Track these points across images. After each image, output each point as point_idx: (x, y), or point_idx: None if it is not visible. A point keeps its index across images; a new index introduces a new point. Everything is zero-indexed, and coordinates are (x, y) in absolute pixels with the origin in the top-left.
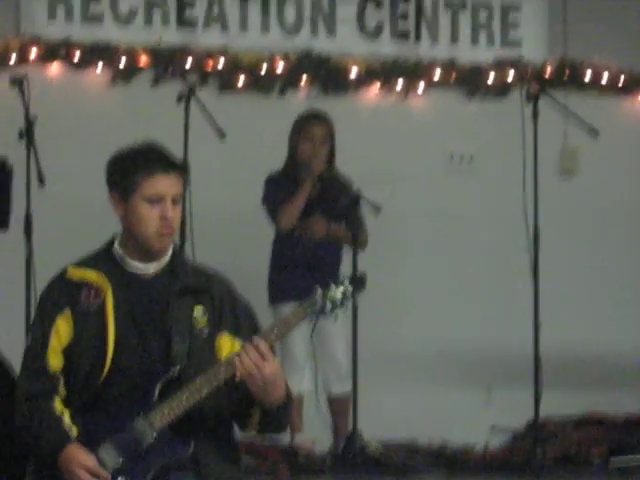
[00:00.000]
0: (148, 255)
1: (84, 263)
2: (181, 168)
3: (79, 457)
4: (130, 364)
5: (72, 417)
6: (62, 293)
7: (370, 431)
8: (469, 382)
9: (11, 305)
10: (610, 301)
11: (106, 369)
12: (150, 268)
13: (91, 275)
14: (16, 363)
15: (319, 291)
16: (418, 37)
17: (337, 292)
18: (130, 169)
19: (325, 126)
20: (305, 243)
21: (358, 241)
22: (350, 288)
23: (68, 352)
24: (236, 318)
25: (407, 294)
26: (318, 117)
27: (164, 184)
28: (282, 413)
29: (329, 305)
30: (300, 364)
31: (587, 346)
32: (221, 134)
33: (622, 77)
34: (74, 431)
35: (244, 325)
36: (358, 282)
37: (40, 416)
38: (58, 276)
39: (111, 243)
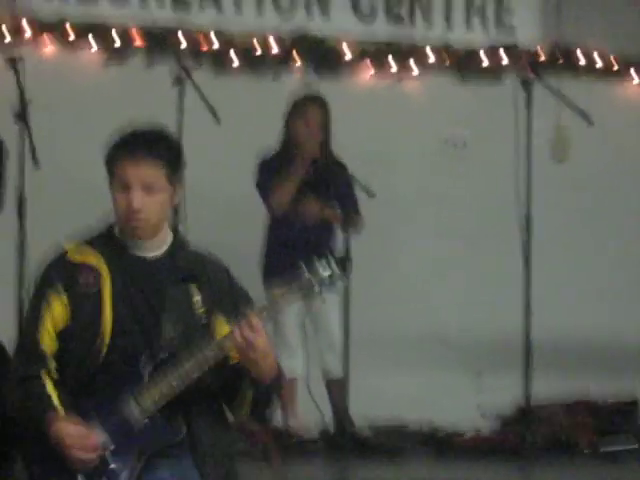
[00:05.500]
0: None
1: (84, 245)
2: (158, 155)
3: (67, 428)
4: (126, 350)
5: (61, 399)
6: (60, 275)
7: (360, 414)
8: (459, 366)
9: (3, 287)
10: (600, 287)
11: (102, 354)
12: (149, 252)
13: (91, 258)
14: (8, 345)
15: (306, 273)
16: (412, 20)
17: (323, 270)
18: (108, 154)
19: (321, 109)
20: (299, 226)
21: (351, 224)
22: (336, 267)
23: (63, 335)
24: (233, 303)
25: (398, 277)
26: (315, 100)
27: (131, 172)
28: (273, 389)
29: (317, 286)
30: (293, 349)
31: (577, 332)
32: (217, 119)
33: (615, 62)
34: (61, 411)
35: (241, 310)
36: (342, 263)
37: (30, 397)
38: (57, 257)
39: (112, 225)
